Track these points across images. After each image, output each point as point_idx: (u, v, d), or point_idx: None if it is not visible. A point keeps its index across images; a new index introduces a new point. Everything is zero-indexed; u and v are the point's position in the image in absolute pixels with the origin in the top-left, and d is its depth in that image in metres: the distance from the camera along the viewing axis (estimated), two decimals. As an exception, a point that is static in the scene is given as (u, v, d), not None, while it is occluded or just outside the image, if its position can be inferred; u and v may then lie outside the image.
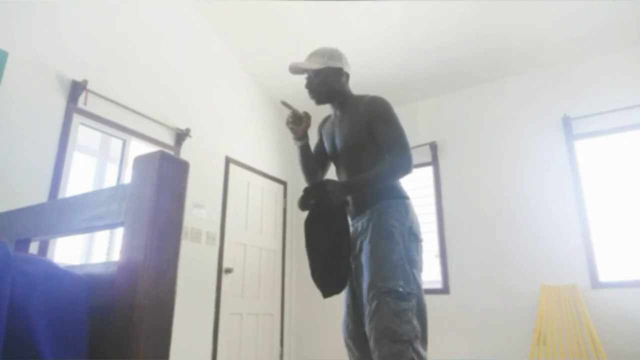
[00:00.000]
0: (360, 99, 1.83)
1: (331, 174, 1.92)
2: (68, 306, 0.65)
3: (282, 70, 1.87)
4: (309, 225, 1.67)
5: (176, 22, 3.78)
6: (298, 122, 1.81)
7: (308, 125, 1.83)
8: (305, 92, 1.87)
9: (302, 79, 1.91)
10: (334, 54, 1.84)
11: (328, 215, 1.64)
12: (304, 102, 1.95)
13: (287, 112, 1.91)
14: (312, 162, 1.92)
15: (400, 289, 1.50)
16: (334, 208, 1.63)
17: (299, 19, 3.79)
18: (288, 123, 1.82)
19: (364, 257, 1.62)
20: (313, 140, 1.89)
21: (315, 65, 1.81)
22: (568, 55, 3.82)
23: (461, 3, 3.44)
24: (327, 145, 1.94)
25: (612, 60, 3.69)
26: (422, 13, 3.60)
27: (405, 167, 1.65)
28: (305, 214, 1.68)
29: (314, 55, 1.86)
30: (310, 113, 1.88)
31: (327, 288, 1.64)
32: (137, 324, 0.61)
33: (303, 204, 1.63)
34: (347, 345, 1.72)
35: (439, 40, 3.81)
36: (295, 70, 1.84)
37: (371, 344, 1.49)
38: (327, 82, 1.82)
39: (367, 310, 1.52)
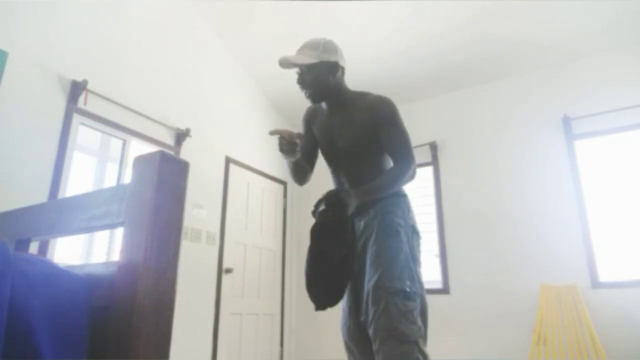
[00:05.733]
0: (362, 96, 1.73)
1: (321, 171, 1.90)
2: (68, 306, 0.65)
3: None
4: (322, 234, 1.56)
5: (176, 22, 3.78)
6: (292, 147, 1.58)
7: (301, 143, 1.61)
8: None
9: None
10: (328, 47, 1.70)
11: (339, 225, 1.55)
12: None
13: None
14: (305, 169, 1.80)
15: (408, 289, 1.48)
16: (345, 217, 1.53)
17: (300, 19, 3.79)
18: (282, 150, 1.59)
19: (370, 257, 1.58)
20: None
21: (308, 59, 1.67)
22: (568, 55, 3.82)
23: (462, 4, 3.44)
24: (322, 142, 1.83)
25: (612, 60, 3.69)
26: (423, 14, 3.60)
27: (413, 174, 1.64)
28: (310, 217, 1.59)
29: (306, 47, 1.71)
30: (302, 107, 1.76)
31: (326, 301, 1.57)
32: (137, 324, 0.61)
33: (322, 215, 1.51)
34: (348, 348, 1.68)
35: (439, 41, 3.81)
36: (286, 64, 1.69)
37: (376, 344, 1.45)
38: (321, 77, 1.68)
39: (372, 310, 1.48)
